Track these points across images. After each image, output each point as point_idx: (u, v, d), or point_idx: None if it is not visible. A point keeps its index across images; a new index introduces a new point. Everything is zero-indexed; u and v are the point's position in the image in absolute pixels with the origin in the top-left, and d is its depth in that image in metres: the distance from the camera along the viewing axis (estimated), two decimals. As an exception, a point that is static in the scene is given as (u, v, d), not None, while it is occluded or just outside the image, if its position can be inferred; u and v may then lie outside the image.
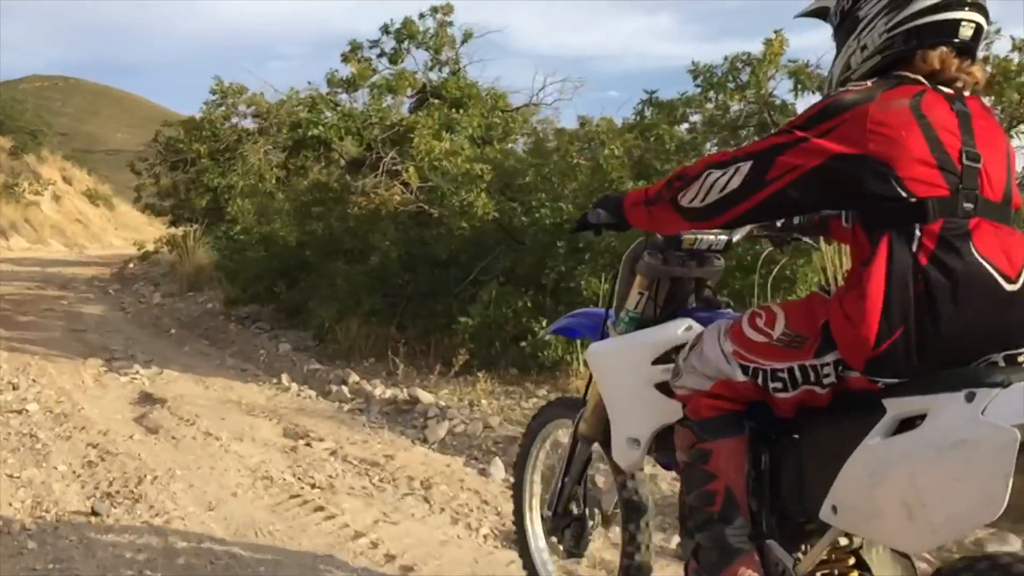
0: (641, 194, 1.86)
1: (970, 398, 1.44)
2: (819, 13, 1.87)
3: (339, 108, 7.88)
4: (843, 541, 1.83)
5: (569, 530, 2.49)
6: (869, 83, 1.61)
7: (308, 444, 4.86)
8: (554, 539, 2.57)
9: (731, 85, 5.64)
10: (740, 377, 1.77)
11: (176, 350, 8.61)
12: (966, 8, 1.60)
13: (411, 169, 6.54)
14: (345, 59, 8.51)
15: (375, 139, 7.60)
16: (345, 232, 8.22)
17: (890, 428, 1.57)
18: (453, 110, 7.49)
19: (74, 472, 4.34)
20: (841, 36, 1.75)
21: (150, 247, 15.77)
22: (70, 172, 40.98)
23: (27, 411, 5.59)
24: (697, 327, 2.05)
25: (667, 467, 2.21)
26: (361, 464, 4.46)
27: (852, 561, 1.84)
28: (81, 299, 13.28)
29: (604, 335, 2.32)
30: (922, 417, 1.52)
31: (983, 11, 1.63)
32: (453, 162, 6.39)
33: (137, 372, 7.21)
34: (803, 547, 1.86)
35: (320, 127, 7.54)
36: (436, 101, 7.93)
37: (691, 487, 1.88)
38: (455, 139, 6.87)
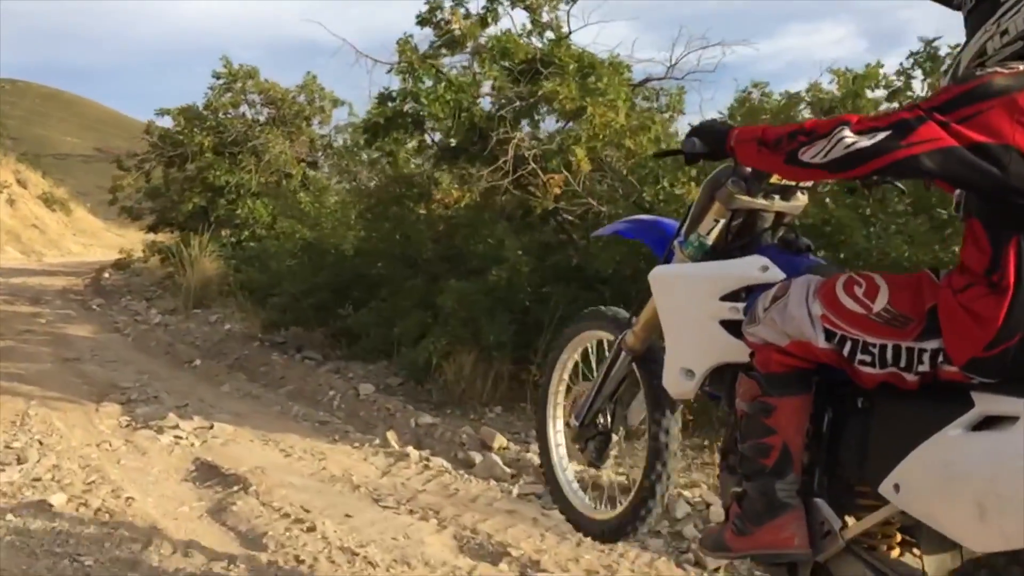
0: (757, 132, 1.72)
1: None
2: None
3: (443, 76, 6.02)
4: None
5: (593, 442, 2.48)
6: (1021, 67, 1.50)
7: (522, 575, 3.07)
8: (577, 447, 2.55)
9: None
10: (822, 344, 1.70)
11: (211, 389, 6.72)
12: None
13: (579, 152, 4.77)
14: (423, 22, 6.70)
15: (488, 116, 5.80)
16: (434, 239, 6.43)
17: (973, 422, 1.51)
18: (588, 80, 5.75)
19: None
20: (976, 20, 1.61)
21: (138, 254, 13.66)
22: (25, 175, 38.63)
23: (50, 506, 3.72)
24: (773, 268, 1.95)
25: (715, 399, 2.12)
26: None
27: (899, 527, 1.75)
28: (62, 317, 11.25)
29: (670, 255, 2.21)
30: (1010, 419, 1.46)
31: None
32: (637, 140, 4.67)
33: (176, 426, 5.34)
34: (851, 511, 1.79)
35: (423, 99, 5.69)
36: (548, 71, 6.15)
37: (747, 436, 1.84)
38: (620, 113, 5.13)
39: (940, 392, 1.59)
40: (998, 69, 1.50)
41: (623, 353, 2.40)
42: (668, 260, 2.22)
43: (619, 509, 2.44)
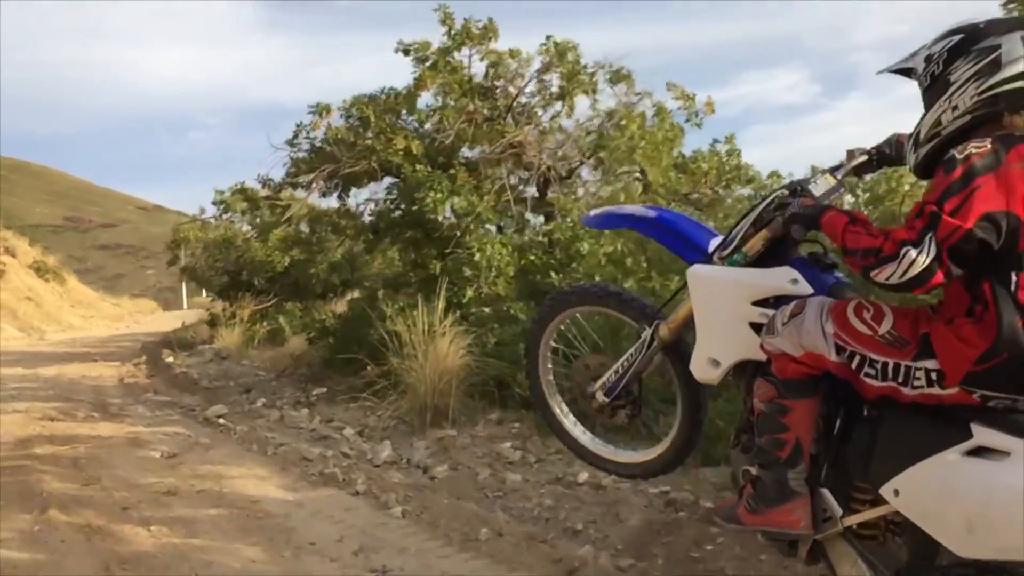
0: (839, 230, 1.96)
1: None
2: (905, 72, 2.04)
3: None
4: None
5: (624, 410, 2.71)
6: (987, 144, 1.81)
7: None
8: (605, 415, 2.75)
9: None
10: (834, 357, 1.98)
11: None
12: None
13: None
14: None
15: None
16: None
17: (970, 450, 1.78)
18: None
19: None
20: (931, 96, 1.94)
21: (289, 337, 9.00)
22: (13, 243, 34.09)
23: None
24: (803, 282, 2.19)
25: (738, 380, 2.36)
26: None
27: (887, 520, 2.05)
28: (186, 445, 6.54)
29: (708, 262, 2.38)
30: (1003, 453, 1.74)
31: None
32: None
33: None
34: (850, 502, 2.08)
35: None
36: None
37: (764, 431, 2.11)
38: None
39: (943, 418, 1.84)
40: (972, 151, 1.80)
41: (656, 341, 2.57)
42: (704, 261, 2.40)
43: (666, 443, 2.72)
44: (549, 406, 3.01)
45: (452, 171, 7.36)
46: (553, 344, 2.98)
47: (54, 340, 22.12)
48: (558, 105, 7.83)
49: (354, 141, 7.20)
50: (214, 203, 13.39)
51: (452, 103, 7.26)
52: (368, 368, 7.06)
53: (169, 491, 5.11)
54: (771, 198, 2.30)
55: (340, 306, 11.69)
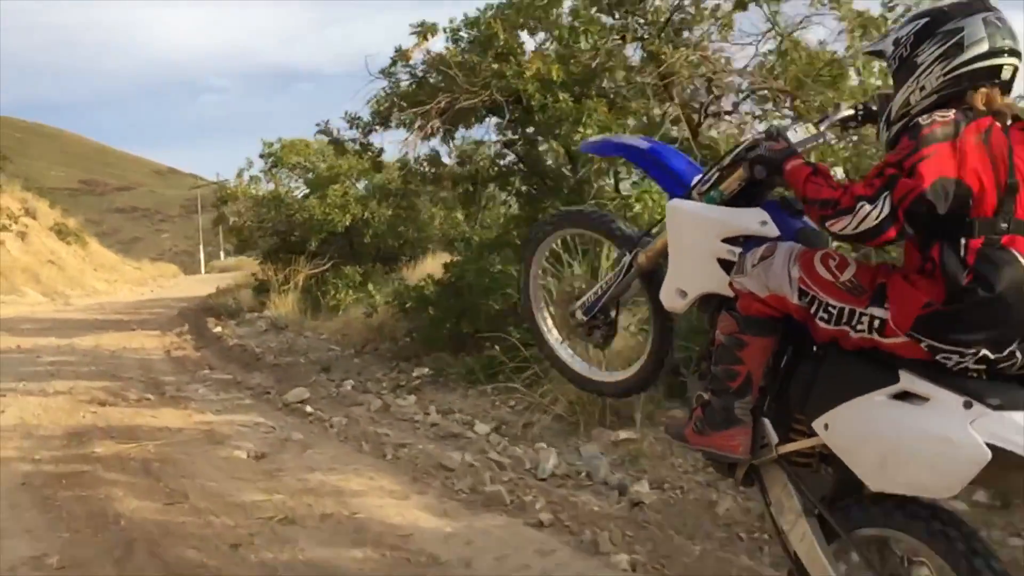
0: (799, 181, 2.03)
1: (967, 406, 1.78)
2: (877, 53, 2.17)
3: None
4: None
5: (600, 330, 2.80)
6: (951, 115, 1.86)
7: None
8: (583, 332, 2.83)
9: None
10: (795, 300, 2.05)
11: None
12: (1006, 55, 1.90)
13: None
14: None
15: None
16: None
17: (895, 394, 1.89)
18: None
19: None
20: (900, 77, 2.00)
21: (380, 305, 7.65)
22: (33, 205, 32.71)
23: None
24: (771, 224, 2.23)
25: (703, 311, 2.42)
26: None
27: (819, 451, 2.13)
28: (297, 450, 5.22)
29: (688, 198, 2.42)
30: (922, 398, 1.85)
31: (1019, 56, 1.92)
32: None
33: None
34: (787, 432, 2.17)
35: None
36: None
37: (720, 361, 2.20)
38: None
39: (877, 363, 1.93)
40: (936, 119, 1.85)
41: (634, 267, 2.63)
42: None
43: (637, 365, 2.80)
44: (536, 321, 3.10)
45: (591, 103, 5.94)
46: (545, 263, 3.08)
47: (81, 305, 20.90)
48: (706, 26, 6.36)
49: (475, 65, 5.76)
50: (261, 156, 11.98)
51: (598, 16, 5.83)
52: (494, 347, 5.70)
53: (285, 517, 3.83)
54: (749, 140, 2.35)
55: (416, 271, 10.33)
